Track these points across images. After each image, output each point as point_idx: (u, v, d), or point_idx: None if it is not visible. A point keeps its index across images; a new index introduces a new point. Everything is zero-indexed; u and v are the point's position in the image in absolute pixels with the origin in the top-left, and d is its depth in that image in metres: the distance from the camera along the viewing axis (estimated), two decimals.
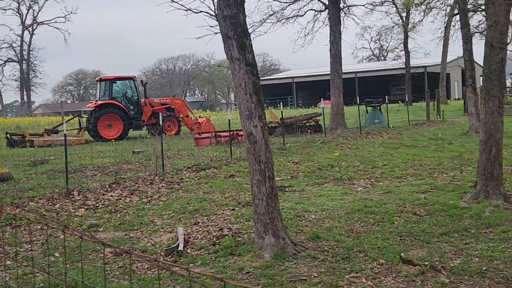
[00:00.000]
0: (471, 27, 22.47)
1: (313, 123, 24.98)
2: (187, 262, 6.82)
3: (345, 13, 26.20)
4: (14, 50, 75.05)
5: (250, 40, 6.77)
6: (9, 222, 9.41)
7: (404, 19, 49.36)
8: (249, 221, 8.72)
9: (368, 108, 27.22)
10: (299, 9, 26.18)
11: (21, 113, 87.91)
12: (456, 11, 46.64)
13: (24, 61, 74.43)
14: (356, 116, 30.15)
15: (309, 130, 22.72)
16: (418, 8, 47.33)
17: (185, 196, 11.21)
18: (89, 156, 18.52)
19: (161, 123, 14.84)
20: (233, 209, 9.80)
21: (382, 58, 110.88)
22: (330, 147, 18.18)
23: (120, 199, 11.21)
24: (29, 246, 8.02)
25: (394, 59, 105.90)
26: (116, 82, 26.69)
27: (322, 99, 65.68)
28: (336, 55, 25.43)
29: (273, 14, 25.15)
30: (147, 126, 27.40)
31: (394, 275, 5.96)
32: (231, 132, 21.05)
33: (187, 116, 27.87)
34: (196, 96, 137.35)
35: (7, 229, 9.00)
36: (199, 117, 28.91)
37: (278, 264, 6.43)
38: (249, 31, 6.93)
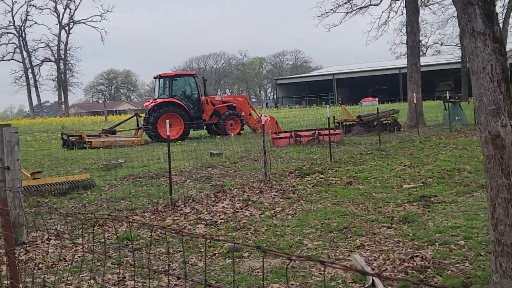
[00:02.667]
0: None
1: (391, 120, 23.09)
2: None
3: (422, 2, 24.21)
4: (51, 50, 74.37)
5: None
6: (123, 243, 7.76)
7: None
8: (433, 245, 6.92)
9: (446, 104, 25.16)
10: None
11: (52, 113, 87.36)
12: None
13: (61, 61, 73.59)
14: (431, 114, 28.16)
15: (400, 128, 20.84)
16: None
17: (314, 209, 9.45)
18: (162, 159, 16.86)
19: (262, 122, 13.03)
20: (390, 227, 8.02)
21: (421, 54, 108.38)
22: (431, 147, 16.29)
23: (237, 212, 9.49)
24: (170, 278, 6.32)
25: (433, 55, 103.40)
26: (176, 79, 25.04)
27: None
28: (413, 46, 23.47)
29: (346, 2, 23.28)
30: (207, 125, 25.80)
31: None
32: (313, 131, 19.34)
33: (250, 114, 26.17)
34: (227, 94, 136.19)
35: (125, 252, 7.34)
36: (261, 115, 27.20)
37: None
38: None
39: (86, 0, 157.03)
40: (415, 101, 21.49)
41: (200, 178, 12.88)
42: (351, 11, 23.08)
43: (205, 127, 25.81)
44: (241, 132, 25.37)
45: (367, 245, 7.19)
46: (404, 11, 23.36)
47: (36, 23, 75.26)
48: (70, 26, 74.01)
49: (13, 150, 7.71)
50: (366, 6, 23.81)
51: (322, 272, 6.18)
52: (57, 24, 73.78)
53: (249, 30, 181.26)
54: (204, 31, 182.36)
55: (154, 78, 26.16)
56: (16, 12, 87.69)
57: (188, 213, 9.44)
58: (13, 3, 73.37)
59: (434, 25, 54.87)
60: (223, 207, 9.81)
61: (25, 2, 74.50)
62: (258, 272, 6.31)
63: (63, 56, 73.55)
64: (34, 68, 73.29)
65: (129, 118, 27.32)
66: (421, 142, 17.05)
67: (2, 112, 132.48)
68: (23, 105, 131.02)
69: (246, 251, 7.15)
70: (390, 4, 24.11)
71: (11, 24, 73.58)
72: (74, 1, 74.43)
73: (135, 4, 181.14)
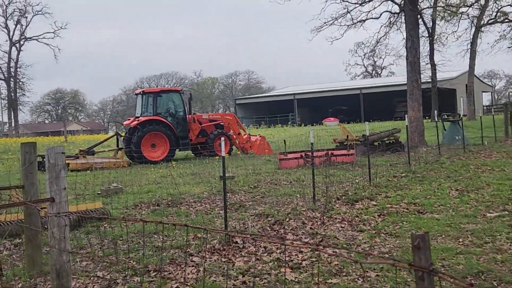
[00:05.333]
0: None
1: (393, 140, 21.82)
2: None
3: (420, 16, 23.19)
4: (0, 68, 70.55)
5: None
6: None
7: (430, 31, 46.70)
8: None
9: (445, 123, 24.16)
10: (369, 11, 23.06)
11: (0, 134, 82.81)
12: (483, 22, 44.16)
13: (11, 79, 69.90)
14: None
15: (404, 148, 19.47)
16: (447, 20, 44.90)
17: (409, 245, 7.79)
18: (164, 184, 14.86)
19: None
20: None
21: (376, 74, 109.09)
22: (463, 168, 14.97)
23: (315, 250, 7.73)
24: None
25: (387, 76, 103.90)
26: (161, 96, 23.08)
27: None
28: (414, 62, 22.34)
29: (342, 16, 21.99)
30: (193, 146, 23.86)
31: None
32: (325, 152, 17.76)
33: (239, 133, 24.40)
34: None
35: None
36: (250, 134, 25.51)
37: None
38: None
39: (39, 17, 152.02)
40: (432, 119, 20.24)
41: (231, 206, 11.04)
42: (351, 24, 21.83)
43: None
44: (230, 152, 23.58)
45: None
46: (404, 26, 22.27)
47: None
48: (21, 43, 70.60)
49: (59, 176, 5.74)
50: (363, 20, 22.58)
51: None
52: (7, 41, 70.30)
53: (207, 50, 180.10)
54: (160, 52, 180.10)
55: (136, 94, 24.10)
56: None
57: (257, 251, 7.63)
58: None
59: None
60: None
61: None
62: None
63: (13, 74, 69.88)
64: None
65: (109, 138, 25.10)
66: (451, 164, 15.72)
67: None
68: None
69: None
70: (390, 18, 22.95)
71: None
72: (26, 17, 70.77)
73: (88, 23, 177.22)
